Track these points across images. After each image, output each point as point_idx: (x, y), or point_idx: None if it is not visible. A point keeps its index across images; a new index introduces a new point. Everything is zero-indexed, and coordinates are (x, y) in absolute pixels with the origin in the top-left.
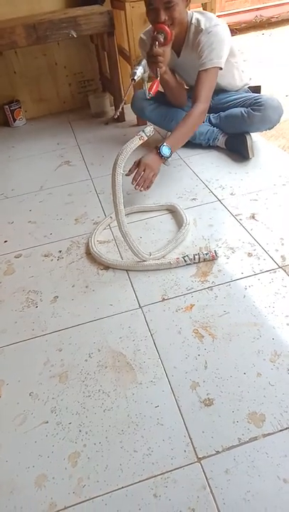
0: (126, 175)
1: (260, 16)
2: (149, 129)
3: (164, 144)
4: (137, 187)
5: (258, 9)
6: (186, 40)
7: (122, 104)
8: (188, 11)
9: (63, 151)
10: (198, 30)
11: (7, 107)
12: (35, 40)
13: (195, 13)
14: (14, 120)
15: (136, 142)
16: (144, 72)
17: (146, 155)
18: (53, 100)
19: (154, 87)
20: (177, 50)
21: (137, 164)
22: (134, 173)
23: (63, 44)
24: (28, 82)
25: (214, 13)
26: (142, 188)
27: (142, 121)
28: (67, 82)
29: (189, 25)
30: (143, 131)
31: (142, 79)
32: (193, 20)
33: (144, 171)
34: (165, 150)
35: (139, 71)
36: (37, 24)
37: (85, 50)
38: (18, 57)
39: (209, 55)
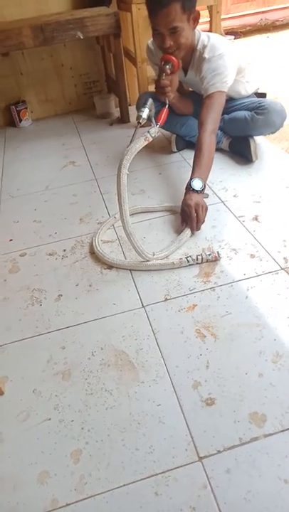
0: (182, 228)
1: (266, 19)
2: (154, 129)
3: (192, 178)
4: (195, 231)
5: (263, 12)
6: (192, 62)
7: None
8: (196, 31)
9: (68, 152)
10: (202, 58)
11: (13, 107)
12: (42, 42)
13: (202, 37)
14: (20, 120)
15: (141, 143)
16: (150, 111)
17: (186, 199)
18: (59, 101)
19: (162, 117)
20: (184, 68)
21: (185, 211)
22: (190, 223)
23: (69, 45)
24: (34, 83)
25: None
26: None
27: (146, 123)
28: (73, 83)
29: (195, 50)
30: (148, 131)
31: (149, 117)
32: (199, 46)
33: (196, 212)
34: (195, 184)
35: (145, 113)
36: (44, 25)
37: (91, 51)
38: (25, 58)
39: (212, 80)
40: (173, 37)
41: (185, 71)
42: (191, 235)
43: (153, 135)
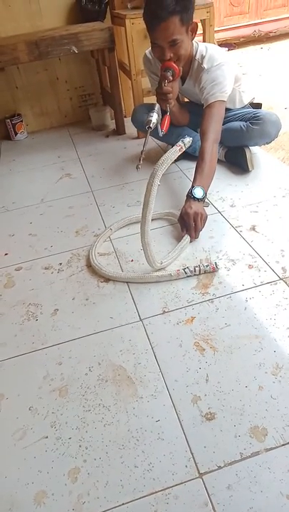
0: (182, 235)
1: (259, 30)
2: (188, 139)
3: (194, 186)
4: (193, 239)
5: (256, 24)
6: (190, 72)
7: (142, 153)
8: (194, 43)
9: (64, 164)
10: (200, 67)
11: (9, 120)
12: (37, 56)
13: (200, 47)
14: (16, 134)
15: (176, 153)
16: (158, 116)
17: (185, 207)
18: (54, 114)
19: (166, 124)
20: (182, 77)
21: (183, 219)
22: (190, 231)
23: (64, 59)
24: (29, 96)
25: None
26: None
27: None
28: (68, 96)
29: (193, 60)
30: (182, 141)
31: (157, 122)
32: (198, 56)
33: (194, 221)
34: (197, 192)
35: (154, 117)
36: (39, 41)
37: (85, 64)
38: (20, 72)
39: (211, 90)
40: (172, 49)
41: (183, 80)
42: (191, 241)
43: (187, 145)
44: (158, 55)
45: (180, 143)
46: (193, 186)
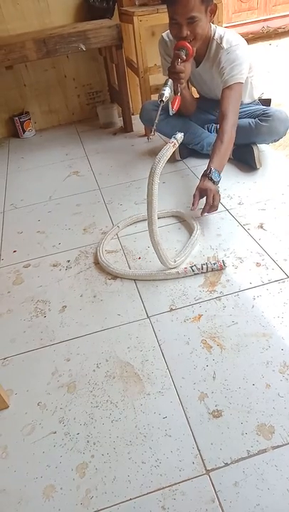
0: (191, 209)
1: (267, 26)
2: (180, 135)
3: (212, 168)
4: (206, 213)
5: (264, 20)
6: (208, 53)
7: (155, 125)
8: (212, 25)
9: (72, 162)
10: (219, 48)
11: (17, 118)
12: (45, 54)
13: (218, 29)
14: (24, 131)
15: (170, 150)
16: (171, 91)
17: (205, 183)
18: (62, 111)
19: (176, 103)
20: (197, 60)
21: (199, 194)
22: (202, 205)
23: (72, 56)
24: (37, 94)
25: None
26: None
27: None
28: (76, 93)
29: (211, 40)
30: (174, 137)
31: (169, 97)
32: (216, 36)
33: (213, 199)
34: (216, 175)
35: (167, 91)
36: (47, 38)
37: (93, 62)
38: (28, 70)
39: (231, 72)
40: (190, 27)
41: (197, 63)
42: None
43: (179, 140)
44: (175, 33)
45: (172, 139)
46: (210, 168)
